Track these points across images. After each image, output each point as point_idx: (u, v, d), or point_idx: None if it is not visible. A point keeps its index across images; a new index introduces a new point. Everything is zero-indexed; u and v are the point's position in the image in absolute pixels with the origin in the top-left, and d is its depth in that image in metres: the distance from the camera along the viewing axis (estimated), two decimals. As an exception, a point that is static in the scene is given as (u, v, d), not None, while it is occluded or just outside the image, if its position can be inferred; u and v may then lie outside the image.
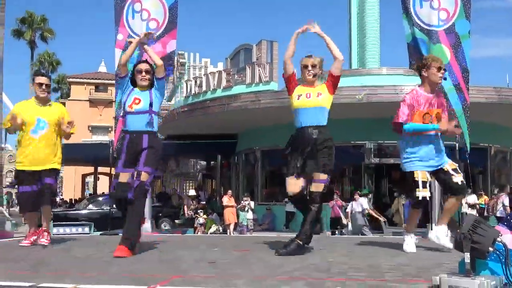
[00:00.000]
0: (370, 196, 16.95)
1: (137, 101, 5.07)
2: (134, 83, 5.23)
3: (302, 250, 4.77)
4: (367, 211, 15.07)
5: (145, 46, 5.56)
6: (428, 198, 5.09)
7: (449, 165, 5.17)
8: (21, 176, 5.63)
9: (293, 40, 5.17)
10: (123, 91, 5.27)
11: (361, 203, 15.07)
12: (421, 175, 5.07)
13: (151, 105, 5.08)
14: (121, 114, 5.40)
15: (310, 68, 5.03)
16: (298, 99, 5.01)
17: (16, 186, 5.82)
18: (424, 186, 5.05)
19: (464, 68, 7.54)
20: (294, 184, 4.87)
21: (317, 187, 4.86)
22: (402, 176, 5.32)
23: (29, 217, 5.87)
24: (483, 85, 15.72)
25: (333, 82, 5.06)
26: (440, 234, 5.17)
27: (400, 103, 5.20)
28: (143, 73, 5.16)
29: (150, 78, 5.20)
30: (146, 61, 5.37)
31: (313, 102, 4.95)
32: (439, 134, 5.22)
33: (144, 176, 4.89)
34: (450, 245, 4.91)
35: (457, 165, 5.25)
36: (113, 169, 5.89)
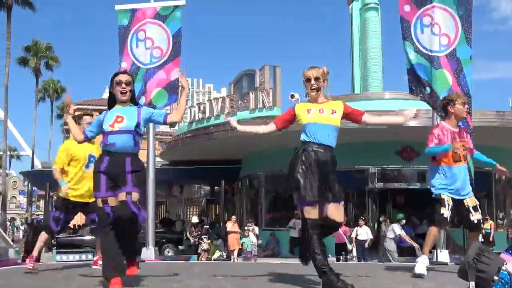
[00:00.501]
0: (403, 222, 16.51)
1: (119, 119, 4.45)
2: (111, 103, 4.67)
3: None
4: (398, 237, 14.57)
5: (182, 99, 4.77)
6: (449, 219, 5.35)
7: (470, 201, 5.45)
8: (70, 206, 5.96)
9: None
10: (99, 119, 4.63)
11: (394, 229, 14.72)
12: (447, 198, 5.36)
13: (138, 125, 4.48)
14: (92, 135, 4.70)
15: (313, 81, 4.49)
16: (309, 113, 4.45)
17: (56, 211, 6.04)
18: (448, 208, 5.34)
19: (466, 93, 7.56)
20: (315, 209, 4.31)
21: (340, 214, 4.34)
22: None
23: (47, 240, 6.15)
24: (486, 109, 15.80)
25: (349, 117, 4.58)
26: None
27: (428, 136, 5.47)
28: (123, 85, 4.55)
29: (132, 90, 4.62)
30: (126, 72, 4.88)
31: (326, 119, 4.40)
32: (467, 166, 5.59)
33: (135, 196, 4.35)
34: None
35: (478, 203, 5.51)
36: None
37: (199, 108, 20.94)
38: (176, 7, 8.36)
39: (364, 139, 16.38)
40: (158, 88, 8.18)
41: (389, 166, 17.70)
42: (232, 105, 19.68)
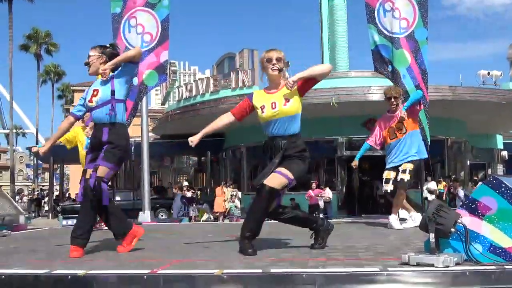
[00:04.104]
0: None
1: (95, 92, 4.11)
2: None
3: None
4: None
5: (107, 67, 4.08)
6: (389, 191, 6.00)
7: (403, 165, 5.96)
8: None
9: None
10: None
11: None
12: (385, 174, 6.09)
13: (113, 93, 4.07)
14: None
15: (274, 61, 3.92)
16: (262, 112, 3.95)
17: None
18: (387, 182, 6.03)
19: (423, 70, 7.59)
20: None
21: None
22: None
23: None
24: (440, 85, 15.90)
25: (306, 86, 3.96)
26: (392, 220, 5.96)
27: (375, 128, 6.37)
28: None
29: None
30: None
31: (280, 113, 3.90)
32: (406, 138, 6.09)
33: (100, 171, 3.98)
34: (398, 226, 5.82)
35: (408, 166, 5.94)
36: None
37: (186, 87, 20.76)
38: (164, -5, 8.20)
39: (333, 113, 16.41)
40: (149, 70, 8.08)
41: (355, 136, 17.78)
42: (215, 85, 19.55)
